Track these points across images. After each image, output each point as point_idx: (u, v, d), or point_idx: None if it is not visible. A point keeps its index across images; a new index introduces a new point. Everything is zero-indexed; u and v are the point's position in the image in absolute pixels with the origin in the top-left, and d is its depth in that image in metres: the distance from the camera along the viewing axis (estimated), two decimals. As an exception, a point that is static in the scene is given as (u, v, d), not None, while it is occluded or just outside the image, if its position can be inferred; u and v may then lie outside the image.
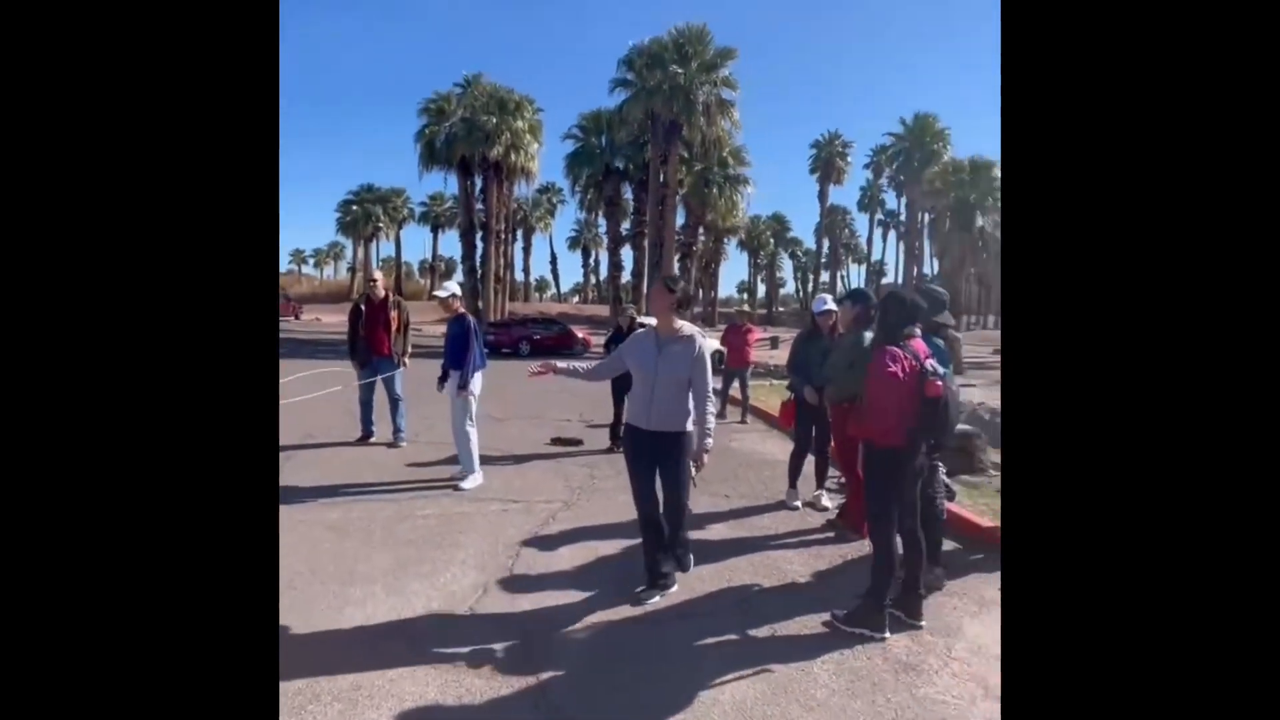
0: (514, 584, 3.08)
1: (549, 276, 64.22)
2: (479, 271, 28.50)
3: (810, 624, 2.76)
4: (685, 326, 2.90)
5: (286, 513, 3.87)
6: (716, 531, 3.93)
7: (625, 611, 2.80)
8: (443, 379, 4.82)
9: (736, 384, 8.07)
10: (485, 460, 5.54)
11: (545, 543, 3.62)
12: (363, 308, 6.04)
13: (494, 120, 26.16)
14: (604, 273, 43.89)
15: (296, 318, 34.41)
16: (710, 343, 2.97)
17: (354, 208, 49.40)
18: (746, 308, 12.20)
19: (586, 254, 58.56)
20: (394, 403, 5.99)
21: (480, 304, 28.07)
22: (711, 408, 2.90)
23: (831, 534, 3.92)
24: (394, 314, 6.02)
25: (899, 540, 2.73)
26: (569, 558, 3.42)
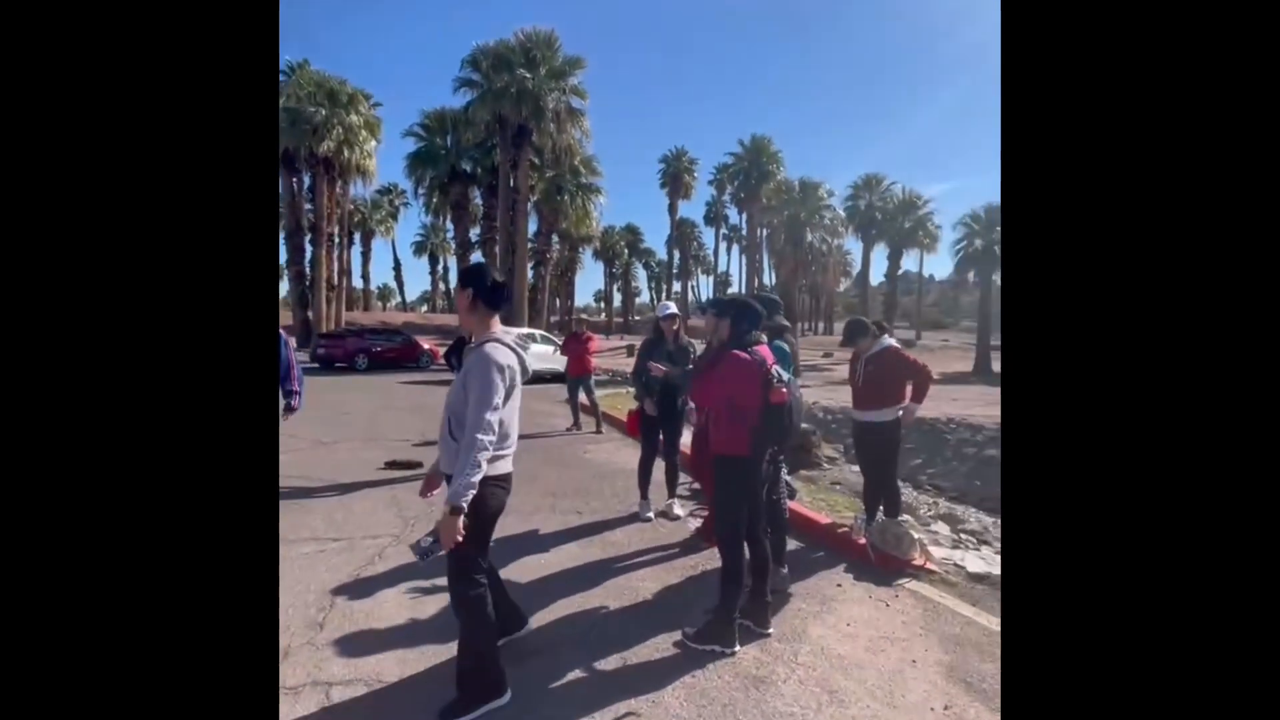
0: (323, 643, 2.59)
1: (393, 284, 60.00)
2: (308, 277, 25.71)
3: (662, 645, 2.62)
4: (494, 332, 2.12)
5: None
6: (568, 553, 3.69)
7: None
8: None
9: (583, 394, 7.97)
10: (304, 493, 4.82)
11: (366, 587, 3.13)
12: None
13: (323, 112, 23.82)
14: (453, 280, 41.80)
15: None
16: (505, 353, 2.07)
17: (148, 202, 42.24)
18: (585, 315, 12.15)
19: (434, 260, 55.46)
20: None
21: (310, 313, 25.35)
22: (479, 447, 1.94)
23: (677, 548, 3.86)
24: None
25: (746, 549, 2.70)
26: (394, 602, 2.97)
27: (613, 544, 3.87)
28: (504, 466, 2.16)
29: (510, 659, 2.41)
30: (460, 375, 2.11)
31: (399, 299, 61.12)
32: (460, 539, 1.95)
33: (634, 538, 3.99)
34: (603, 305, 65.35)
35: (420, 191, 29.63)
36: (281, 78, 24.83)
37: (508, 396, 2.08)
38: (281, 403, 3.84)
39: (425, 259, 56.47)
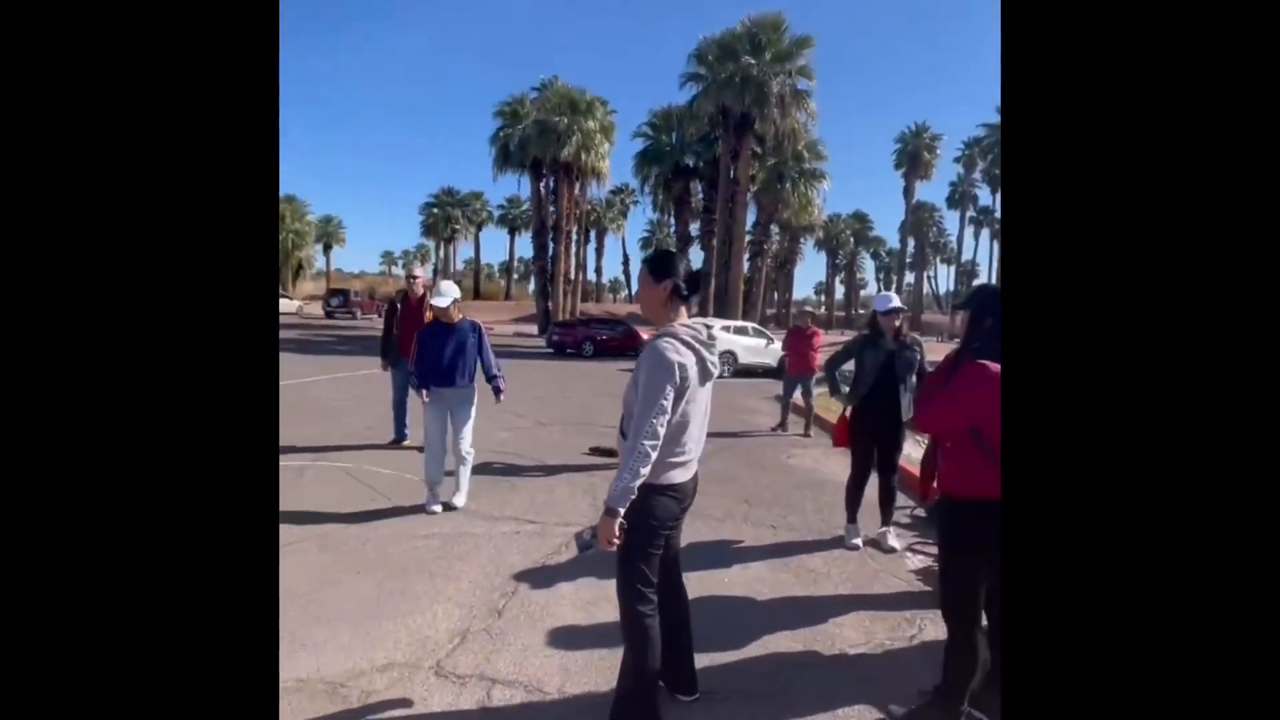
0: (499, 632, 2.59)
1: (622, 277, 64.45)
2: (549, 272, 28.70)
3: (862, 718, 2.10)
4: (673, 326, 1.85)
5: (285, 527, 3.59)
6: (755, 575, 3.29)
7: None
8: (421, 389, 4.06)
9: (800, 392, 7.37)
10: (515, 470, 5.16)
11: (548, 577, 3.12)
12: (399, 305, 5.80)
13: (565, 121, 26.23)
14: (675, 273, 43.14)
15: (379, 314, 36.03)
16: (678, 350, 1.80)
17: (434, 210, 51.47)
18: (810, 309, 11.32)
19: (659, 255, 58.02)
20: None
21: (550, 304, 28.27)
22: (640, 453, 1.74)
23: (902, 588, 3.19)
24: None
25: (985, 620, 2.03)
26: (571, 599, 2.90)
27: (810, 572, 3.37)
28: (677, 475, 1.89)
29: (669, 696, 2.12)
30: (634, 370, 1.89)
31: (626, 291, 65.56)
32: (617, 544, 1.80)
33: (836, 568, 3.43)
34: (823, 298, 62.12)
35: (646, 189, 31.08)
36: (534, 94, 28.01)
37: (682, 398, 1.80)
38: (492, 387, 4.13)
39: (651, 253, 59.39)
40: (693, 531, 3.48)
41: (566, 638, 2.57)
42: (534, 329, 30.60)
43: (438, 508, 4.00)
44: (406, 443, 5.81)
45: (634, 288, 66.04)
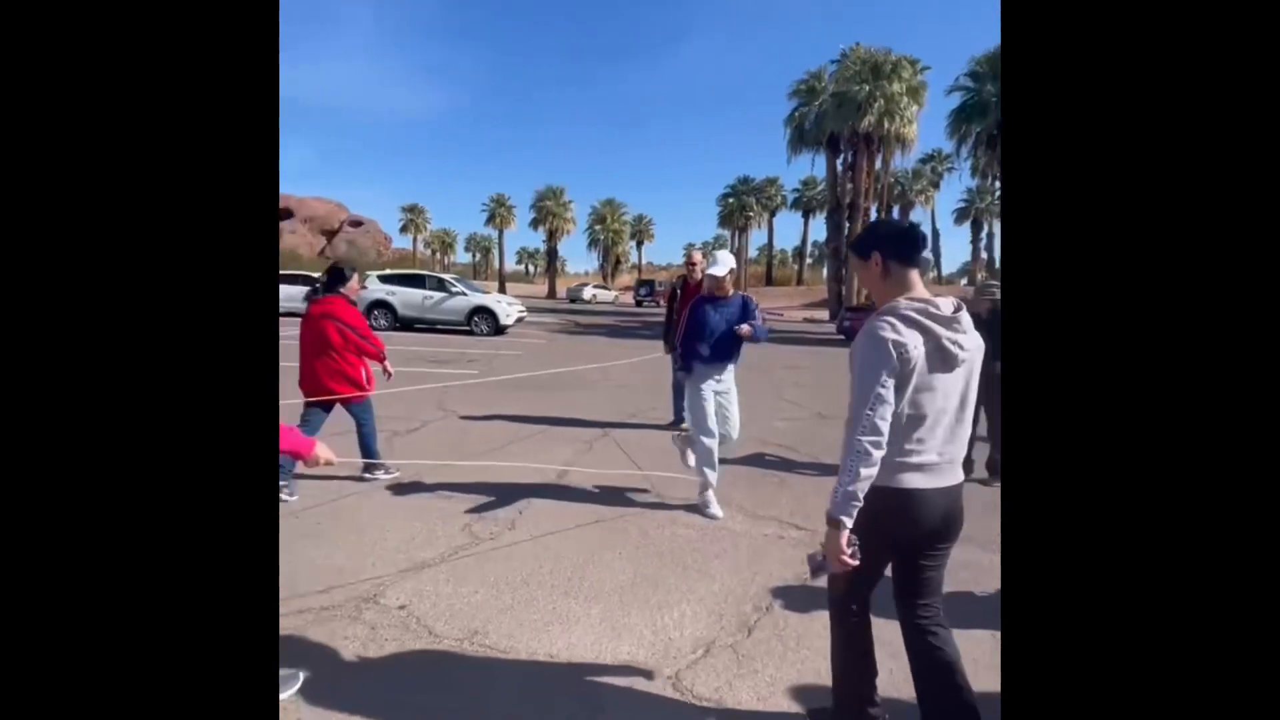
0: (746, 654, 2.30)
1: (930, 256, 57.35)
2: (843, 254, 27.03)
3: None
4: (896, 301, 1.54)
5: (562, 507, 3.88)
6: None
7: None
8: (685, 368, 3.79)
9: None
10: (788, 466, 4.79)
11: (806, 598, 2.69)
12: (678, 290, 5.91)
13: (865, 89, 24.18)
14: (997, 248, 36.61)
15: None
16: (899, 329, 1.49)
17: (730, 200, 53.10)
18: None
19: (977, 228, 50.04)
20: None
21: (843, 288, 26.66)
22: (857, 451, 1.46)
23: None
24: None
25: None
26: (825, 625, 2.43)
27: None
28: (913, 480, 1.54)
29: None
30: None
31: (935, 272, 58.24)
32: (849, 560, 1.49)
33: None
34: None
35: (964, 151, 26.81)
36: (832, 66, 26.46)
37: (907, 384, 1.49)
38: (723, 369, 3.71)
39: (967, 227, 51.65)
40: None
41: (819, 676, 2.13)
42: (825, 314, 29.25)
43: (718, 511, 3.69)
44: (683, 426, 5.93)
45: (944, 267, 58.19)
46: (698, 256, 6.05)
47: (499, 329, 14.95)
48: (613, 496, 3.99)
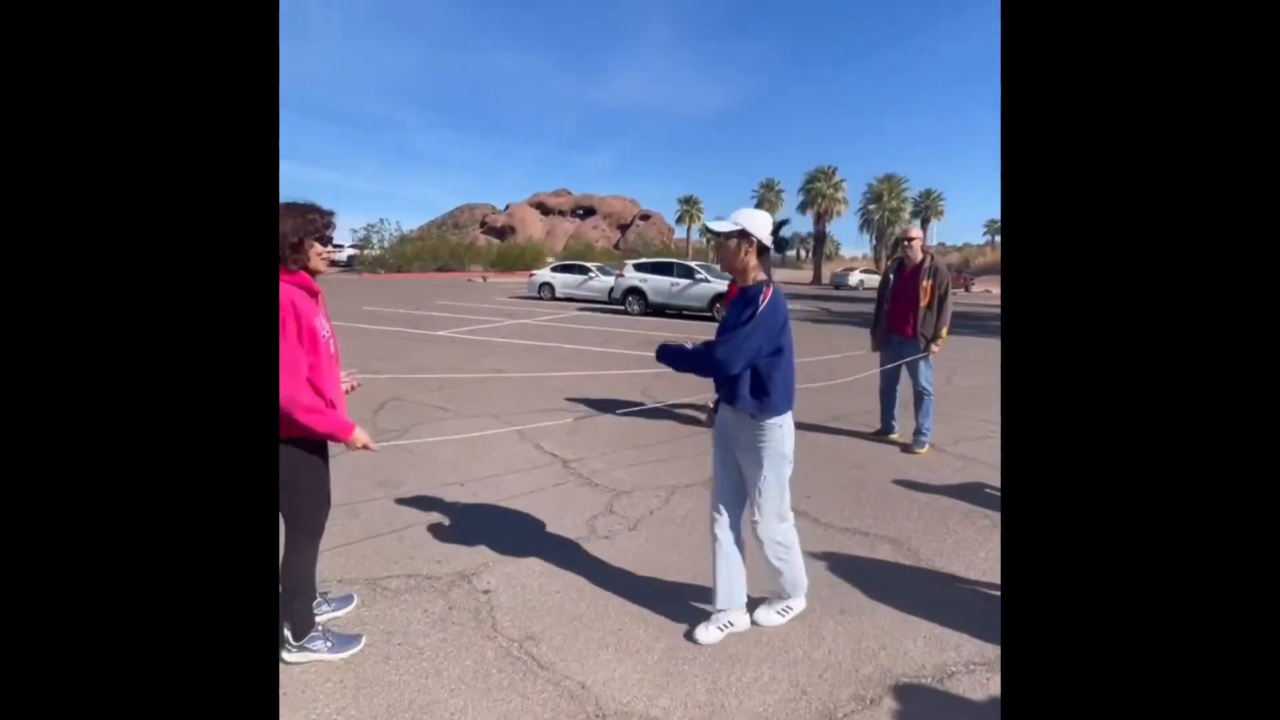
0: None
1: None
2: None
3: None
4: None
5: (699, 516, 3.59)
6: None
7: None
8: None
9: None
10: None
11: (923, 705, 1.95)
12: (891, 276, 4.95)
13: None
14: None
15: (967, 289, 33.83)
16: None
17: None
18: None
19: None
20: (918, 396, 4.72)
21: None
22: None
23: None
24: (927, 283, 4.66)
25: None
26: None
27: None
28: None
29: None
30: None
31: None
32: None
33: None
34: None
35: None
36: None
37: None
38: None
39: None
40: None
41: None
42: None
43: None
44: (893, 435, 5.01)
45: None
46: (916, 231, 5.00)
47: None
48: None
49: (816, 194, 45.53)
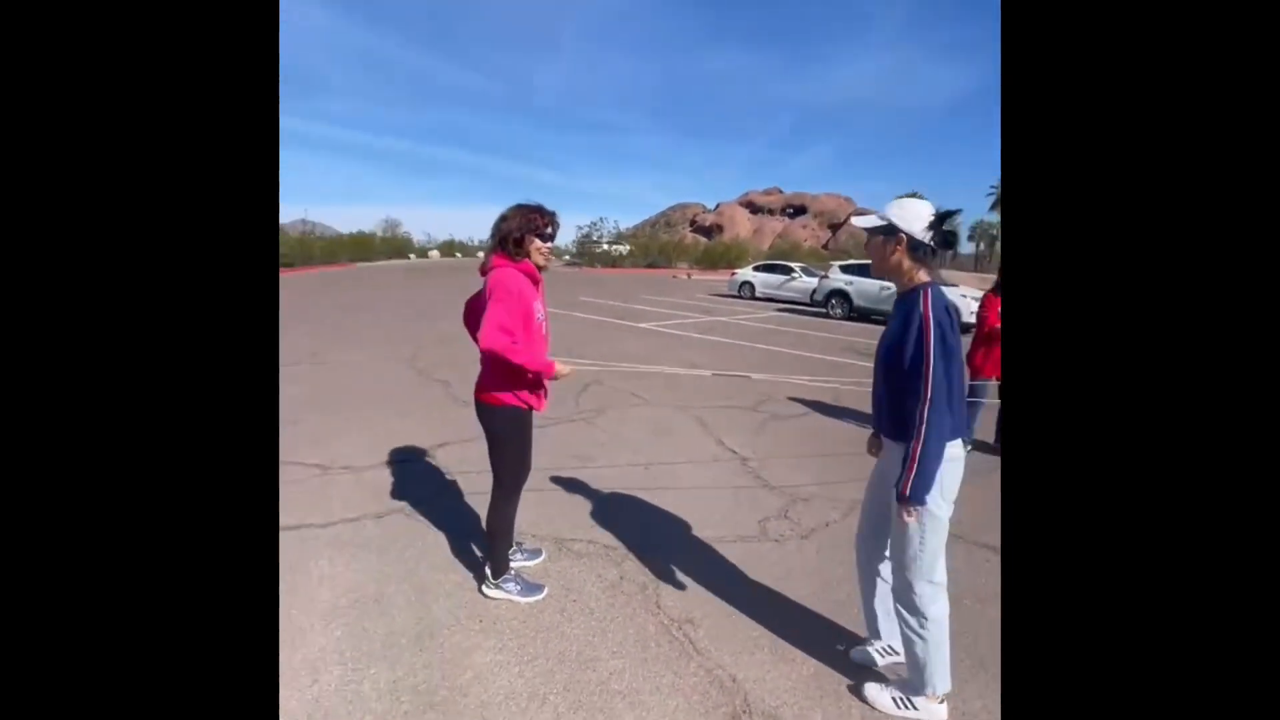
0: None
1: None
2: None
3: None
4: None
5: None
6: None
7: None
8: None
9: None
10: None
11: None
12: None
13: None
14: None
15: None
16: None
17: None
18: None
19: None
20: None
21: None
22: None
23: None
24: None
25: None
26: None
27: None
28: None
29: None
30: None
31: None
32: None
33: None
34: None
35: None
36: None
37: None
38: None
39: None
40: None
41: None
42: None
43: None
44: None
45: None
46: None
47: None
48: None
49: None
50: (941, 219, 1.74)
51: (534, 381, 2.35)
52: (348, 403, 5.38)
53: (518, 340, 2.20)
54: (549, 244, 2.32)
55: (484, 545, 2.94)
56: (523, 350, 2.20)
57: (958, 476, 1.78)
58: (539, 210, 2.29)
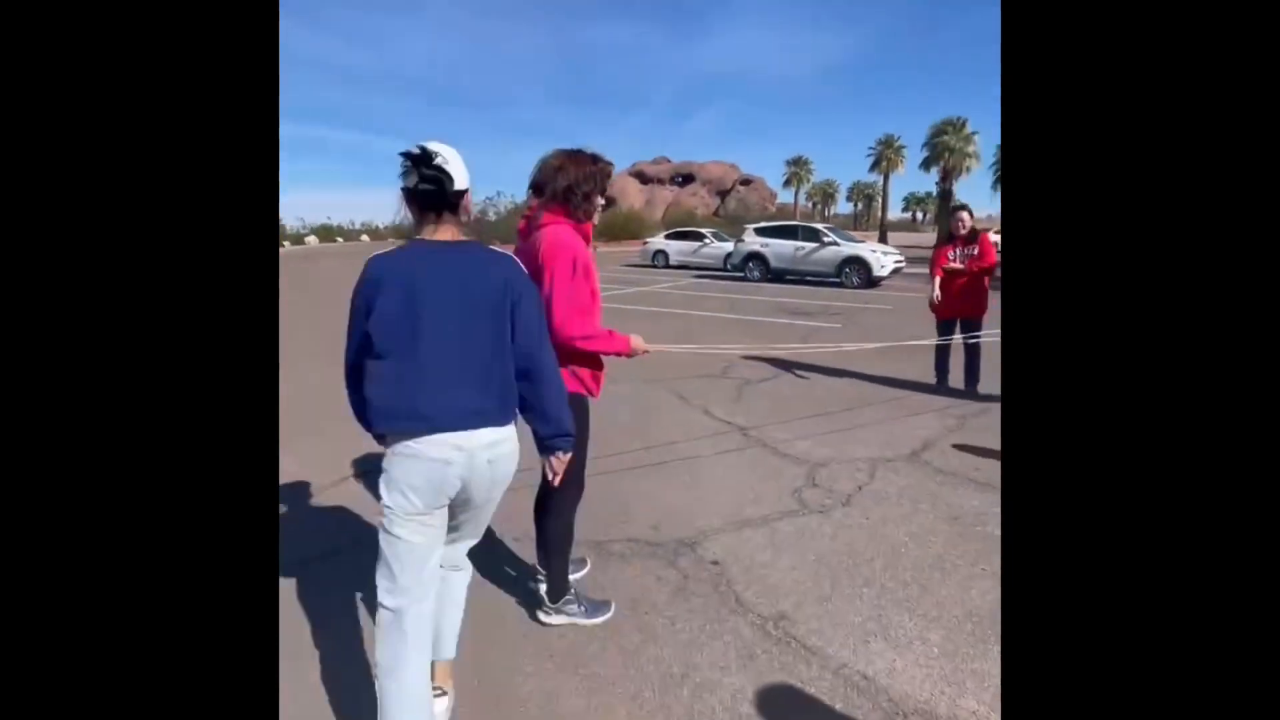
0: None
1: None
2: None
3: None
4: None
5: (909, 491, 3.26)
6: None
7: None
8: None
9: None
10: None
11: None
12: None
13: None
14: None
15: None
16: None
17: None
18: None
19: None
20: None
21: None
22: None
23: None
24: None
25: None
26: None
27: None
28: None
29: None
30: None
31: None
32: None
33: None
34: None
35: None
36: None
37: None
38: None
39: None
40: None
41: None
42: None
43: None
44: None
45: None
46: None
47: (871, 281, 13.90)
48: (975, 492, 3.17)
49: (943, 149, 41.90)
50: None
51: (598, 362, 1.94)
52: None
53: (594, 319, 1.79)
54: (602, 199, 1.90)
55: (511, 560, 2.50)
56: (603, 332, 1.80)
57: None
58: (599, 158, 1.85)
